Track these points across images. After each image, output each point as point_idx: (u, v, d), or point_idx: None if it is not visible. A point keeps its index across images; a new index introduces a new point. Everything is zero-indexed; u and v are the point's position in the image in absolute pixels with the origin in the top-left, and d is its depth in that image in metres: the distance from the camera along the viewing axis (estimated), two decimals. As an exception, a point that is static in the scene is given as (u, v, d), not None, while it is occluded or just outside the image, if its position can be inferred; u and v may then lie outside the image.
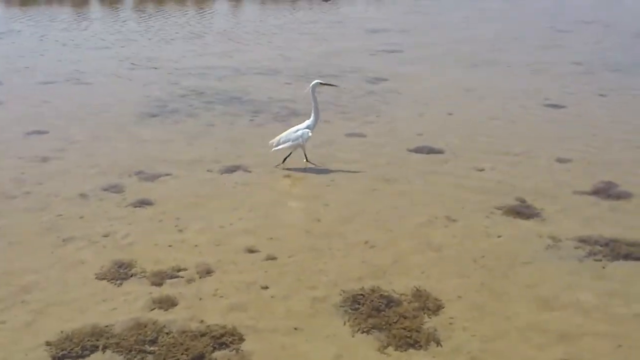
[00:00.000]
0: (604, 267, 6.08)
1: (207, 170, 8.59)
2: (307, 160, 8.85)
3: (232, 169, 8.63)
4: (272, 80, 14.30)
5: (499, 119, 11.20)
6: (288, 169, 8.65)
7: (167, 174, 8.41)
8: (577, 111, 11.68)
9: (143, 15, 26.60)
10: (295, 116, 11.23)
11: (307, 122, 8.74)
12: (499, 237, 6.73)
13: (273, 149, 8.74)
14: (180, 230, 6.81)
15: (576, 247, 6.46)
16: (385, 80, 14.35)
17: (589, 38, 20.64)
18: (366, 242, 6.60)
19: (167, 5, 31.02)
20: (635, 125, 10.80)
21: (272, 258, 6.20)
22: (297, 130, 8.65)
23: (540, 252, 6.39)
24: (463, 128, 10.67)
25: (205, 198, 7.69)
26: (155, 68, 15.41)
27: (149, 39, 20.06)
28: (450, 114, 11.54)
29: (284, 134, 8.76)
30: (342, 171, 8.65)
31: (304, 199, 7.76)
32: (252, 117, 11.20)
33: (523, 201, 7.63)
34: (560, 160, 9.01)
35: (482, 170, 8.70)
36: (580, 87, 13.64)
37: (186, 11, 28.37)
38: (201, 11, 28.52)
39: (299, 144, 8.66)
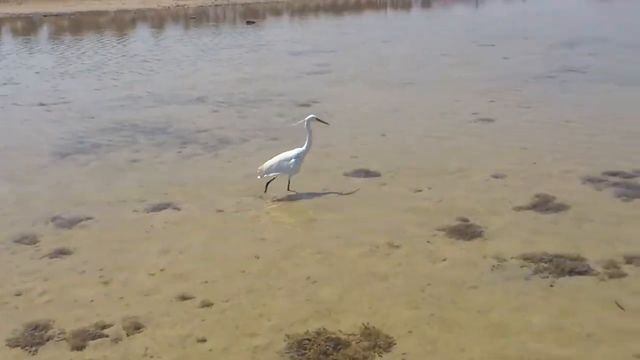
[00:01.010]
0: (551, 285, 5.93)
1: (133, 211, 8.04)
2: (289, 189, 8.48)
3: (160, 207, 8.12)
4: (198, 108, 13.85)
5: (431, 137, 11.13)
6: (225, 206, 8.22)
7: (88, 218, 7.81)
8: (506, 124, 11.75)
9: (56, 46, 25.60)
10: (226, 145, 10.84)
11: (298, 150, 8.37)
12: (444, 260, 6.51)
13: (260, 177, 8.35)
14: (105, 282, 6.25)
15: (522, 266, 6.31)
16: (315, 102, 14.14)
17: (510, 51, 21.15)
18: (308, 278, 6.24)
19: (84, 34, 30.05)
20: (561, 134, 10.93)
21: (207, 304, 5.75)
22: (290, 159, 8.26)
23: (486, 274, 6.20)
24: (397, 148, 10.52)
25: (131, 242, 7.15)
26: (69, 102, 14.67)
27: (62, 72, 19.21)
28: (383, 135, 11.38)
29: (273, 161, 8.35)
30: (279, 201, 8.29)
31: (239, 235, 7.33)
32: (179, 149, 10.70)
33: (464, 220, 7.46)
34: (496, 176, 8.94)
35: (420, 191, 8.52)
36: (505, 100, 13.81)
37: (104, 39, 27.51)
38: (121, 39, 27.73)
39: (289, 173, 8.34)
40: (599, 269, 6.16)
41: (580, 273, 6.12)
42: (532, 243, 6.80)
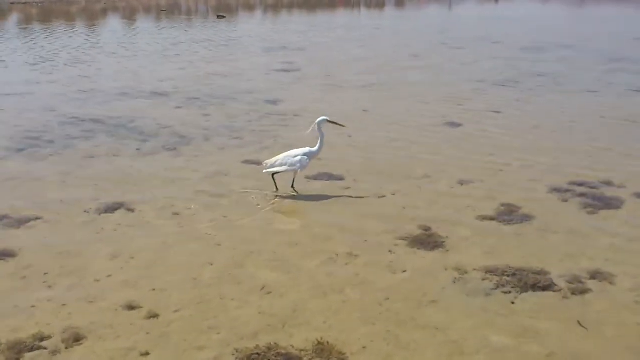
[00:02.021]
0: (513, 302, 5.75)
1: (84, 211, 7.68)
2: (292, 187, 8.38)
3: (113, 208, 7.78)
4: (161, 104, 13.46)
5: (398, 141, 10.93)
6: (175, 207, 7.90)
7: (37, 218, 7.44)
8: (474, 130, 11.61)
9: (25, 34, 24.85)
10: (187, 143, 10.51)
11: (308, 149, 8.27)
12: (404, 272, 6.30)
13: (266, 170, 8.23)
14: (49, 287, 5.92)
15: (483, 279, 6.14)
16: (283, 101, 13.86)
17: (481, 54, 21.11)
18: (263, 288, 5.98)
19: (52, 24, 29.28)
20: (528, 141, 10.83)
21: (154, 315, 5.44)
22: (296, 156, 8.14)
23: (447, 287, 6.01)
24: (363, 151, 10.31)
25: (80, 245, 6.80)
26: (30, 94, 14.16)
27: (25, 61, 18.61)
28: (350, 137, 11.15)
29: (281, 156, 8.25)
30: (238, 204, 8.00)
31: (194, 240, 7.02)
32: (138, 146, 10.33)
33: (427, 229, 7.27)
34: (461, 183, 8.78)
35: (383, 197, 8.31)
36: (475, 104, 13.70)
37: (73, 30, 26.82)
38: (90, 30, 27.06)
39: (295, 170, 8.17)
40: (562, 284, 6.01)
41: (543, 288, 5.96)
42: (495, 255, 6.64)
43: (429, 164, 9.61)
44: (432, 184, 8.80)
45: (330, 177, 9.05)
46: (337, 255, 6.65)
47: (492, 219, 7.59)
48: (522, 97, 14.35)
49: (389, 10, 47.17)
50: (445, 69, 18.20)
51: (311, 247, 6.84)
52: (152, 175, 8.95)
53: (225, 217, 7.63)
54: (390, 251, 6.76)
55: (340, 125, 8.72)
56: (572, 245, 6.85)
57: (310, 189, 8.59)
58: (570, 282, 6.03)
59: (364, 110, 13.25)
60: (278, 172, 8.28)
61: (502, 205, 7.98)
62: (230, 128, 11.52)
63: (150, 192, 8.30)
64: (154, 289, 5.91)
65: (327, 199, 8.20)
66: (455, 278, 6.16)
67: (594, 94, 14.84)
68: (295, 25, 31.02)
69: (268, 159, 8.48)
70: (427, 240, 6.99)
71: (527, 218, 7.58)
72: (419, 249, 6.82)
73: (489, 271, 6.27)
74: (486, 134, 11.34)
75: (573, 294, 5.86)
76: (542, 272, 6.23)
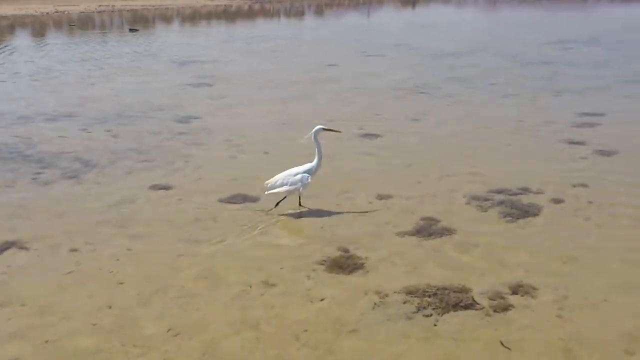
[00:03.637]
0: (435, 325, 5.49)
1: (-30, 253, 6.95)
2: (300, 205, 8.13)
3: (3, 248, 7.06)
4: (65, 126, 12.64)
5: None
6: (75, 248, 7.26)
7: None
8: (391, 140, 11.44)
9: None
10: (91, 168, 9.83)
11: (308, 166, 7.97)
12: (322, 300, 5.94)
13: (267, 192, 7.94)
14: None
15: (405, 302, 5.86)
16: (196, 118, 13.31)
17: (399, 61, 21.19)
18: (169, 330, 5.48)
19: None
20: (446, 150, 10.75)
21: (43, 373, 4.87)
22: (297, 174, 7.85)
23: (367, 314, 5.69)
24: (280, 168, 9.85)
25: (-38, 294, 6.10)
26: None
27: None
28: (266, 153, 10.75)
29: (281, 175, 7.95)
30: (142, 236, 7.43)
31: (94, 279, 6.41)
32: (35, 175, 9.55)
33: (346, 251, 6.95)
34: (380, 197, 8.53)
35: (301, 217, 7.95)
36: (392, 113, 13.58)
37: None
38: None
39: (297, 189, 7.87)
40: (484, 302, 5.80)
41: (465, 307, 5.73)
42: (416, 274, 6.38)
43: (347, 179, 9.33)
44: (350, 200, 8.51)
45: (245, 198, 8.61)
46: (251, 286, 6.23)
47: (411, 234, 7.36)
48: (439, 104, 14.35)
49: (308, 20, 47.18)
50: (363, 78, 18.09)
51: (223, 279, 6.38)
52: (49, 207, 8.25)
53: (129, 250, 7.05)
54: (308, 277, 6.39)
55: (337, 131, 8.37)
56: (492, 258, 6.68)
57: (223, 212, 8.12)
58: (492, 299, 5.83)
59: (282, 123, 12.88)
60: (281, 194, 7.96)
61: (422, 219, 7.77)
62: (138, 150, 10.89)
63: (46, 226, 7.62)
64: (46, 341, 5.31)
65: (241, 223, 7.75)
66: (375, 303, 5.86)
67: (509, 98, 15.03)
68: (213, 36, 30.41)
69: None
70: (346, 263, 6.66)
71: (446, 232, 7.38)
72: (337, 273, 6.48)
73: (410, 292, 6.00)
74: (404, 144, 11.19)
75: (495, 311, 5.66)
76: (463, 290, 6.01)
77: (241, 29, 33.87)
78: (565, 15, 38.12)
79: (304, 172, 7.93)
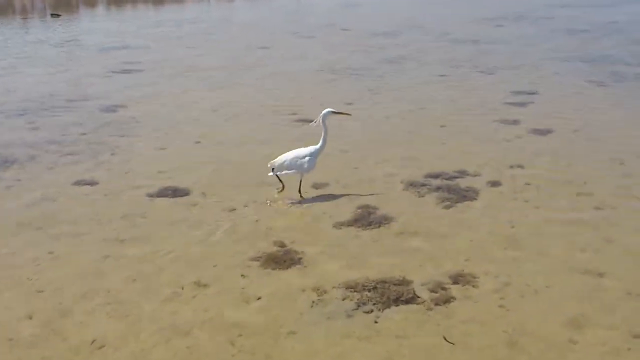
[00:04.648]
0: (376, 322, 5.30)
1: None
2: (300, 192, 7.92)
3: None
4: (-20, 120, 11.81)
5: (250, 143, 10.23)
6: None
7: None
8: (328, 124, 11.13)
9: None
10: (8, 165, 9.19)
11: (313, 148, 7.80)
12: (258, 299, 5.66)
13: (272, 174, 7.81)
14: None
15: (344, 298, 5.64)
16: (123, 107, 12.68)
17: (331, 43, 20.89)
18: (94, 342, 5.09)
19: None
20: (382, 134, 10.57)
21: (-49, 401, 4.41)
22: (304, 156, 7.71)
23: (305, 313, 5.44)
24: (212, 158, 9.52)
25: None
26: None
27: None
28: (197, 142, 10.31)
29: (286, 156, 7.77)
30: (66, 237, 6.95)
31: (11, 288, 5.90)
32: (-55, 175, 8.85)
33: (282, 245, 6.68)
34: (316, 186, 8.27)
35: (234, 210, 7.62)
36: (326, 97, 13.31)
37: None
38: None
39: (303, 172, 7.75)
40: (425, 294, 5.65)
41: (406, 301, 5.56)
42: (355, 267, 6.18)
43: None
44: (286, 190, 8.21)
45: (175, 192, 8.20)
46: (183, 287, 5.88)
47: (349, 224, 7.14)
48: (373, 86, 14.16)
49: (239, 1, 46.21)
50: (295, 61, 17.72)
51: (153, 281, 6.01)
52: (-38, 210, 7.64)
53: (50, 253, 6.57)
54: (242, 275, 6.09)
55: (346, 114, 8.32)
56: (431, 247, 6.54)
57: (152, 208, 7.70)
58: (433, 291, 5.68)
59: (213, 110, 12.42)
60: (285, 175, 7.86)
61: (360, 207, 7.57)
62: (61, 143, 10.26)
63: (-42, 231, 7.03)
64: (-46, 362, 4.84)
65: (170, 220, 7.35)
66: (314, 301, 5.62)
67: (441, 78, 14.99)
68: (141, 21, 29.31)
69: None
70: (283, 258, 6.39)
71: (385, 220, 7.20)
72: (273, 269, 6.20)
73: (349, 287, 5.79)
74: (340, 129, 10.91)
75: (437, 304, 5.51)
76: (403, 282, 5.85)
77: (170, 13, 32.76)
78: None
79: (309, 154, 7.76)
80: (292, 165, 7.77)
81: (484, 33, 21.64)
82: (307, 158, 7.75)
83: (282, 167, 7.81)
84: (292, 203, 7.77)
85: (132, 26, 26.75)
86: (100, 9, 38.28)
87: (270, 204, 7.77)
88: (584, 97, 12.67)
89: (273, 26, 25.82)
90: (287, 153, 7.87)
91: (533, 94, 13.06)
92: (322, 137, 7.87)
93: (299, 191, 7.95)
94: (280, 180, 8.00)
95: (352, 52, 18.78)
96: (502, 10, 27.23)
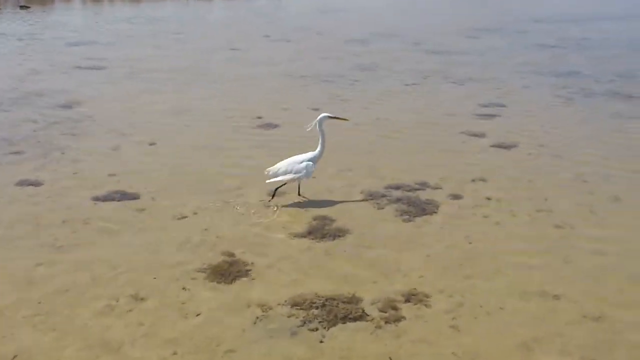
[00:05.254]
0: (321, 341, 5.00)
1: None
2: (300, 195, 7.86)
3: None
4: None
5: (208, 148, 9.88)
6: None
7: None
8: (290, 131, 10.82)
9: None
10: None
11: (312, 154, 7.67)
12: (198, 315, 5.33)
13: (270, 180, 7.61)
14: None
15: (289, 316, 5.34)
16: (79, 104, 12.23)
17: (304, 47, 20.59)
18: (15, 357, 4.71)
19: None
20: (345, 144, 10.25)
21: None
22: (302, 162, 7.55)
23: (248, 330, 5.13)
24: (166, 162, 9.15)
25: None
26: None
27: None
28: (152, 144, 9.92)
29: (284, 163, 7.62)
30: (1, 241, 6.53)
31: None
32: None
33: (230, 255, 6.36)
34: (271, 194, 7.95)
35: (184, 217, 7.27)
36: (294, 102, 13.01)
37: None
38: None
39: (301, 178, 7.57)
40: (374, 312, 5.37)
41: (354, 319, 5.28)
42: (304, 282, 5.88)
43: (240, 173, 8.70)
44: (241, 197, 7.90)
45: (123, 196, 7.82)
46: (118, 300, 5.52)
47: (303, 236, 6.84)
48: (341, 94, 13.88)
49: (218, 1, 45.77)
50: (266, 64, 17.38)
51: (87, 292, 5.64)
52: None
53: (-21, 259, 6.15)
54: (184, 288, 5.75)
55: (344, 119, 8.12)
56: (386, 262, 6.27)
57: (97, 212, 7.31)
58: (382, 310, 5.40)
59: (173, 112, 12.03)
60: (283, 183, 7.68)
61: (315, 218, 7.27)
62: (8, 140, 9.79)
63: None
64: None
65: (115, 226, 6.98)
66: (258, 317, 5.30)
67: (411, 88, 14.78)
68: (111, 16, 28.71)
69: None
70: (229, 270, 6.07)
71: (340, 232, 6.92)
72: (218, 282, 5.87)
73: (296, 304, 5.48)
74: (303, 136, 10.59)
75: (387, 322, 5.24)
76: (353, 300, 5.56)
77: (147, 9, 32.14)
78: (474, 3, 38.80)
79: (307, 159, 7.60)
80: (289, 171, 7.58)
81: (457, 44, 21.54)
82: (304, 164, 7.58)
83: (278, 173, 7.62)
84: (246, 212, 7.44)
85: (102, 21, 26.19)
86: (77, 3, 37.49)
87: (227, 205, 7.45)
88: (551, 113, 12.57)
89: (247, 28, 25.46)
90: (285, 160, 7.70)
91: (501, 106, 12.91)
92: (319, 142, 7.73)
93: (299, 194, 7.88)
94: (275, 190, 7.80)
95: (325, 58, 18.50)
96: (477, 23, 27.23)
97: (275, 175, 7.63)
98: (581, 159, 9.62)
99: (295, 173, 7.56)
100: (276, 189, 7.79)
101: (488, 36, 23.77)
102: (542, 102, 13.48)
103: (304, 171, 7.57)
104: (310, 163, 7.63)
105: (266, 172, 7.70)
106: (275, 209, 7.54)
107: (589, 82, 15.43)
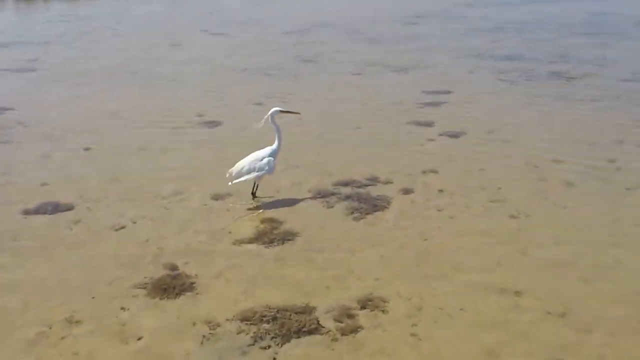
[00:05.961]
0: (274, 358, 4.67)
1: None
2: (254, 194, 7.54)
3: None
4: None
5: (148, 149, 9.37)
6: None
7: None
8: (232, 128, 10.40)
9: None
10: None
11: (270, 149, 7.42)
12: (140, 339, 4.91)
13: (233, 182, 7.32)
14: None
15: (239, 332, 4.98)
16: (9, 109, 11.47)
17: (243, 40, 20.07)
18: None
19: None
20: (291, 140, 9.86)
21: None
22: (263, 158, 7.28)
23: (194, 352, 4.75)
24: (103, 167, 8.62)
25: None
26: None
27: None
28: (87, 149, 9.34)
29: (245, 161, 7.36)
30: None
31: None
32: None
33: (173, 268, 5.95)
34: (216, 197, 7.55)
35: (123, 228, 6.80)
36: (236, 97, 12.57)
37: None
38: None
39: (264, 174, 7.33)
40: (330, 323, 5.06)
41: (308, 332, 4.96)
42: (254, 293, 5.53)
43: (180, 176, 8.25)
44: (182, 202, 7.47)
45: (56, 207, 7.28)
46: (51, 326, 5.05)
47: (250, 241, 6.49)
48: (284, 87, 13.48)
49: (152, -5, 44.49)
50: (205, 59, 16.80)
51: (16, 320, 5.15)
52: None
53: None
54: (123, 308, 5.31)
55: (295, 113, 7.93)
56: (338, 266, 5.98)
57: (27, 227, 6.77)
58: (338, 320, 5.10)
59: (113, 112, 11.43)
60: (249, 182, 7.42)
61: (262, 221, 6.92)
62: None
63: None
64: None
65: (47, 241, 6.46)
66: (205, 336, 4.93)
67: (353, 77, 14.49)
68: (49, 14, 27.46)
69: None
70: (172, 284, 5.66)
71: (289, 236, 6.58)
72: (161, 298, 5.47)
73: (246, 318, 5.13)
74: (246, 132, 10.20)
75: (343, 334, 4.94)
76: (306, 310, 5.24)
77: (83, 8, 30.86)
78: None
79: (267, 155, 7.35)
80: (252, 169, 7.30)
81: (397, 32, 21.38)
82: (265, 160, 7.30)
83: (241, 173, 7.34)
84: (188, 218, 7.02)
85: (34, 21, 25.00)
86: (9, 2, 35.80)
87: (167, 212, 7.00)
88: (497, 97, 12.50)
89: (182, 21, 24.71)
90: (244, 159, 7.42)
91: (446, 93, 12.76)
92: (276, 136, 7.48)
93: (253, 193, 7.56)
94: (254, 191, 7.55)
95: (264, 50, 18.04)
96: (414, 9, 27.14)
97: (240, 175, 7.34)
98: (530, 144, 9.53)
99: (258, 171, 7.31)
100: (254, 192, 7.54)
101: (426, 22, 23.70)
102: (487, 87, 13.42)
103: (267, 167, 7.32)
104: (271, 158, 7.36)
105: (228, 174, 7.37)
106: (220, 213, 7.15)
107: (531, 65, 15.46)
